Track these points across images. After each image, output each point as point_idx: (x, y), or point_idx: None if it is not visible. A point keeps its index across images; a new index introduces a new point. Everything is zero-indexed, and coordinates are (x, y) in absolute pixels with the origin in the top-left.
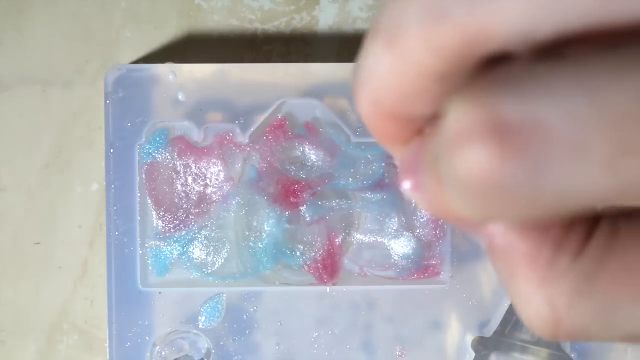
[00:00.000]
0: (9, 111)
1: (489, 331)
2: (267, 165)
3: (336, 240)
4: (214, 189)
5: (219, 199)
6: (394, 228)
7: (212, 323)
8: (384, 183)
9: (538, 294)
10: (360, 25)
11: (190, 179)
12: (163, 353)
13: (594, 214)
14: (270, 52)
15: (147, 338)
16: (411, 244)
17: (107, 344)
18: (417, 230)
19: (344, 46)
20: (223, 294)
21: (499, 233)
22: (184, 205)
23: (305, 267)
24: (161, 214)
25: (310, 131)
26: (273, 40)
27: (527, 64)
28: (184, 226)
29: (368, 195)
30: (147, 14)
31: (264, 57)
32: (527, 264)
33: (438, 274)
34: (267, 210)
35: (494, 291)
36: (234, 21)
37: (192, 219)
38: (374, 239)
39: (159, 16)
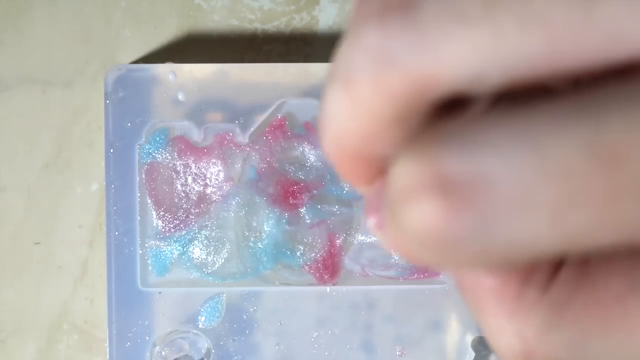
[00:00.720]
0: (9, 111)
1: None
2: (266, 166)
3: (337, 240)
4: (214, 189)
5: (219, 199)
6: None
7: (212, 323)
8: None
9: (508, 327)
10: None
11: (190, 179)
12: (163, 353)
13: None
14: (270, 52)
15: (147, 338)
16: None
17: (107, 344)
18: None
19: None
20: (223, 294)
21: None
22: (184, 205)
23: (306, 267)
24: (161, 214)
25: (310, 131)
26: (273, 40)
27: (476, 114)
28: (184, 226)
29: None
30: (147, 14)
31: (264, 57)
32: (495, 298)
33: (438, 273)
34: (267, 211)
35: None
36: (234, 21)
37: (192, 219)
38: (374, 238)
39: (159, 16)
